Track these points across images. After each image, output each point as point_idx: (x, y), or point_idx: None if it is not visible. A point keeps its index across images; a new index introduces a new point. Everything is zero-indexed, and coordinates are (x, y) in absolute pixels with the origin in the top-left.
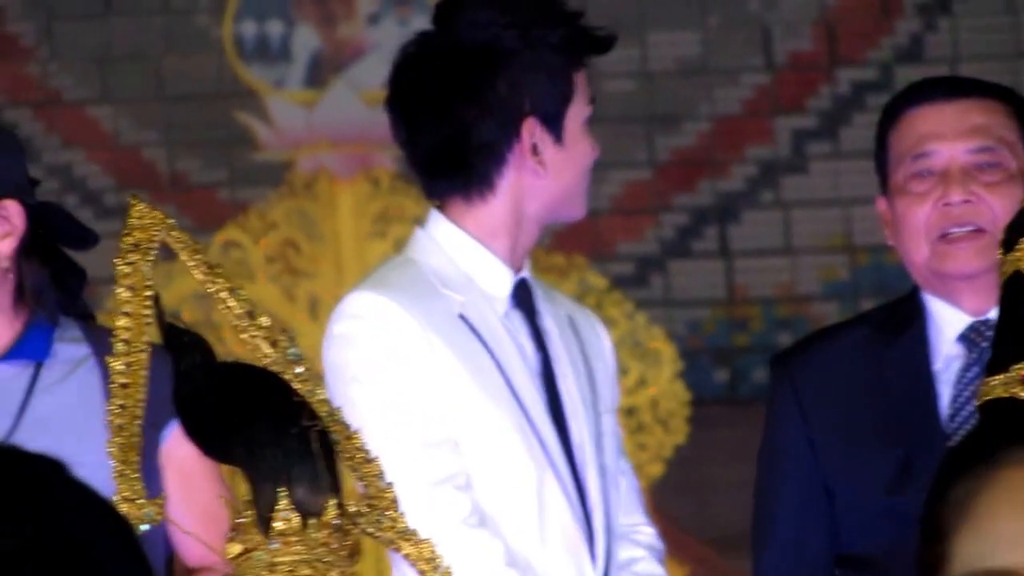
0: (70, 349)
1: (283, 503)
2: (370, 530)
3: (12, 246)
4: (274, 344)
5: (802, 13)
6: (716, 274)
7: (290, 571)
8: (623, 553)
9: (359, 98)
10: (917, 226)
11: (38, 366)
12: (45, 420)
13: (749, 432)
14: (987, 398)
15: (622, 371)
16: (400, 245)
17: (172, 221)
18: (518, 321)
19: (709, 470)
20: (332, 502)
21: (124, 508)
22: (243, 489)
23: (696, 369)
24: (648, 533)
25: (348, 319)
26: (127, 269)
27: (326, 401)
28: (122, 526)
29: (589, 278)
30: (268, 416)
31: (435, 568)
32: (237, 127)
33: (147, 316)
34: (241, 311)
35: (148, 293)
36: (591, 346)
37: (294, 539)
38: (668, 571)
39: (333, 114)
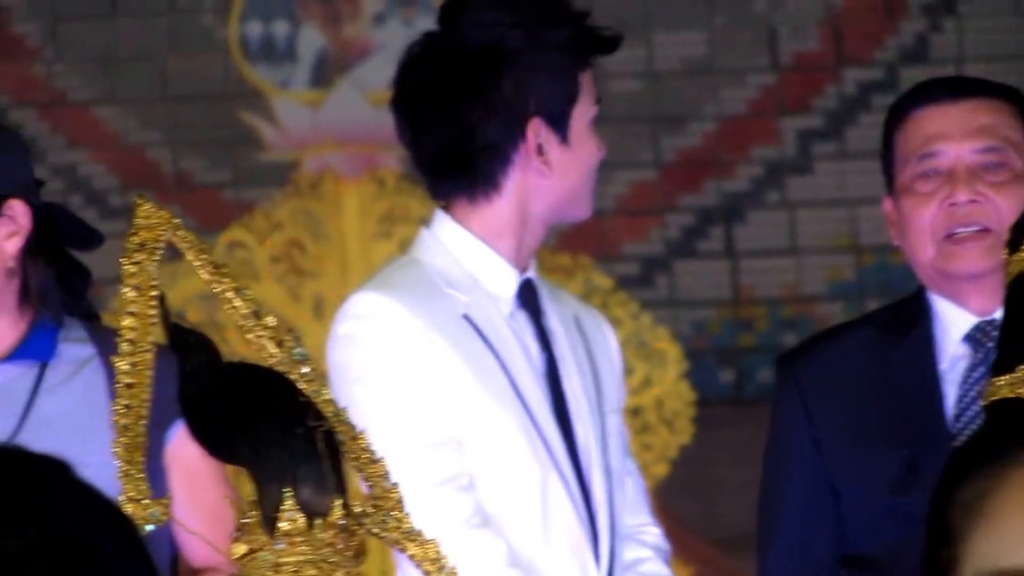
0: (75, 349)
1: (288, 503)
2: (375, 530)
3: (17, 246)
4: (280, 344)
5: (808, 13)
6: (721, 274)
7: (295, 571)
8: (628, 553)
9: (364, 98)
10: (923, 226)
11: (43, 366)
12: (50, 420)
13: (754, 432)
14: (993, 398)
15: (627, 371)
16: (405, 245)
17: (178, 221)
18: (523, 321)
19: (714, 470)
20: (338, 502)
21: (129, 508)
22: (247, 489)
23: (701, 369)
24: (654, 533)
25: (352, 320)
26: (133, 269)
27: (332, 401)
28: (127, 527)
29: (594, 278)
30: (274, 416)
31: (440, 569)
32: (242, 127)
33: (152, 316)
34: (247, 311)
35: (153, 293)
36: (597, 346)
37: (299, 539)
38: (674, 571)
39: (338, 114)
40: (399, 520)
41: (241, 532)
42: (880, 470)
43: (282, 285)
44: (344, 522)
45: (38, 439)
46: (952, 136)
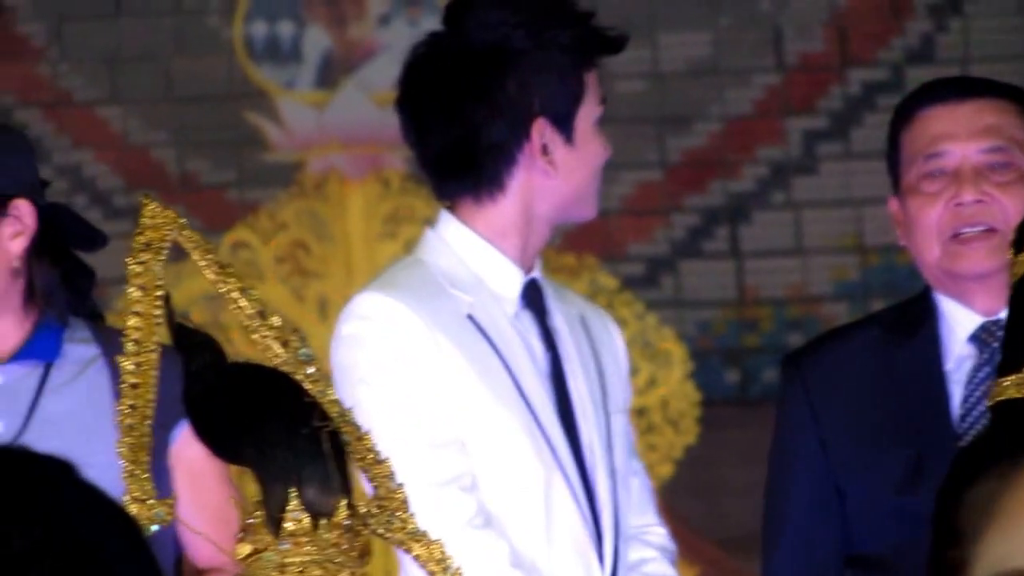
0: (79, 349)
1: (294, 503)
2: (380, 531)
3: (23, 246)
4: (285, 344)
5: (813, 14)
6: (727, 275)
7: (300, 572)
8: (633, 554)
9: (369, 99)
10: (929, 226)
11: (48, 366)
12: (54, 420)
13: (759, 433)
14: (999, 399)
15: (632, 371)
16: (410, 246)
17: (183, 221)
18: (528, 321)
19: (719, 471)
20: (343, 503)
21: (134, 508)
22: (251, 489)
23: (706, 370)
24: (660, 534)
25: (356, 320)
26: (138, 268)
27: (337, 402)
28: (131, 527)
29: (600, 278)
30: (279, 416)
31: (445, 569)
32: (247, 128)
33: (158, 316)
34: (252, 311)
35: (159, 293)
36: (603, 345)
37: (304, 540)
38: (679, 572)
39: (343, 115)
40: (404, 521)
41: (246, 532)
42: (886, 470)
43: (286, 286)
44: (349, 522)
45: (43, 439)
46: (958, 136)
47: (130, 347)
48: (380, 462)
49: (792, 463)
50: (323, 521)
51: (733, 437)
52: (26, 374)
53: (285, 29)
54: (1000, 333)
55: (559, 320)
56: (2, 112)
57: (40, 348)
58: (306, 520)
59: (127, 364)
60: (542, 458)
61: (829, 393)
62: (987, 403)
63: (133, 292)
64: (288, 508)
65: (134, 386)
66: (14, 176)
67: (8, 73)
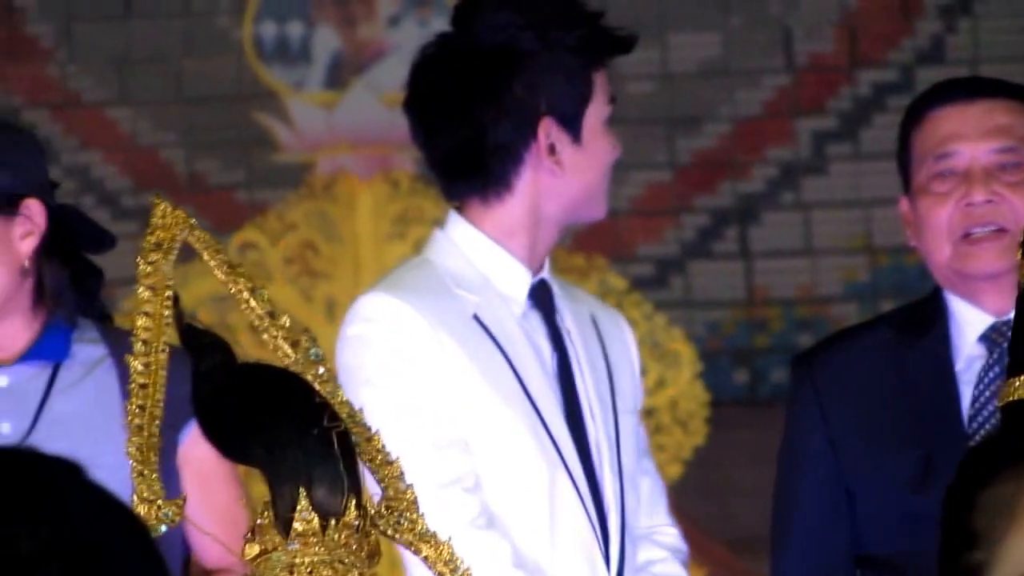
0: (88, 350)
1: (303, 504)
2: (389, 532)
3: (32, 246)
4: (295, 345)
5: (823, 15)
6: (736, 275)
7: (310, 572)
8: (643, 554)
9: (379, 100)
10: (939, 226)
11: (56, 367)
12: (63, 421)
13: (768, 433)
14: (1009, 399)
15: (641, 372)
16: (420, 247)
17: (194, 221)
18: (536, 321)
19: (728, 471)
20: (352, 503)
21: (143, 509)
22: (257, 490)
23: (715, 370)
24: (671, 534)
25: (362, 322)
26: (148, 269)
27: (347, 403)
28: (139, 528)
29: (609, 279)
30: (289, 417)
31: (454, 570)
32: (257, 128)
33: (167, 316)
34: (262, 311)
35: (168, 293)
36: (614, 345)
37: (314, 540)
38: (689, 573)
39: (353, 116)
40: (413, 522)
41: (254, 533)
42: (896, 470)
43: (295, 286)
44: (358, 523)
45: (51, 440)
46: (968, 136)
47: (139, 347)
48: (389, 463)
49: (801, 463)
50: (332, 522)
51: (742, 438)
52: (35, 375)
53: (294, 30)
54: (1010, 333)
55: (568, 320)
56: (10, 113)
57: (49, 349)
58: (315, 521)
59: (136, 364)
60: (547, 458)
61: (839, 393)
62: (997, 403)
63: (143, 292)
64: (298, 509)
65: (143, 386)
66: (25, 176)
67: (17, 74)
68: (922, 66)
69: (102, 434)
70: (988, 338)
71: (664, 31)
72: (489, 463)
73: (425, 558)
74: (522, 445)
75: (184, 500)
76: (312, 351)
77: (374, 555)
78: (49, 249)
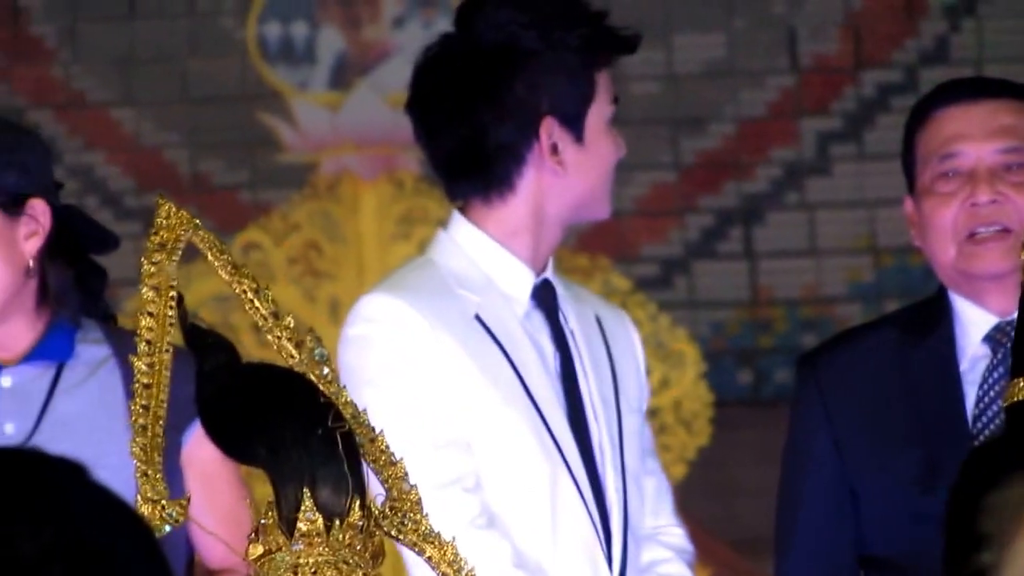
0: (91, 350)
1: (307, 504)
2: (393, 533)
3: (37, 246)
4: (299, 345)
5: (827, 15)
6: (740, 275)
7: (314, 573)
8: (647, 555)
9: (383, 100)
10: (944, 226)
11: (60, 367)
12: (66, 421)
13: (772, 433)
14: (1013, 400)
15: (646, 371)
16: (424, 247)
17: (198, 222)
18: (539, 321)
19: (732, 472)
20: (356, 503)
21: (147, 509)
22: (260, 491)
23: (720, 370)
24: (677, 534)
25: (363, 322)
26: (152, 269)
27: (351, 403)
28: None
29: (613, 279)
30: (294, 417)
31: (458, 571)
32: (261, 129)
33: (171, 317)
34: (266, 312)
35: (172, 294)
36: (619, 345)
37: (318, 540)
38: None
39: (357, 116)
40: (417, 522)
41: (259, 533)
42: (900, 471)
43: (298, 287)
44: (363, 523)
45: (54, 440)
46: (973, 136)
47: (143, 348)
48: (393, 463)
49: (806, 464)
50: (337, 522)
51: (746, 438)
52: (38, 375)
53: (299, 30)
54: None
55: (572, 320)
56: (15, 113)
57: (52, 349)
58: (320, 521)
59: (140, 364)
60: (548, 457)
61: (843, 394)
62: (1001, 404)
63: (147, 293)
64: (302, 509)
65: (147, 386)
66: (31, 176)
67: (21, 74)
68: (926, 67)
69: (106, 434)
70: (992, 338)
71: (668, 32)
72: (490, 463)
73: (429, 559)
74: (523, 445)
75: (188, 500)
76: (317, 351)
77: (378, 555)
78: (54, 249)
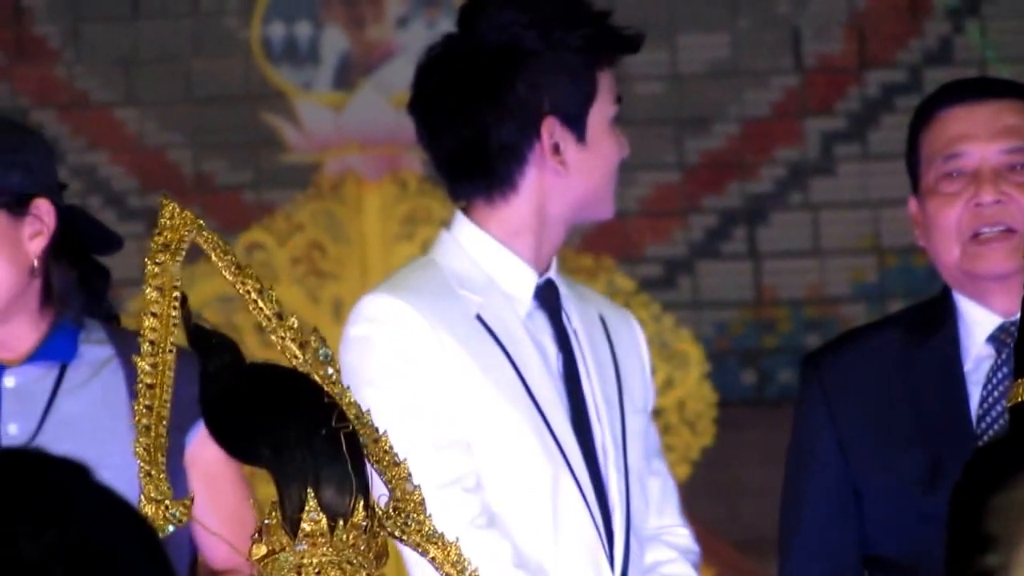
0: (95, 351)
1: (311, 505)
2: (397, 533)
3: (41, 246)
4: (303, 346)
5: (832, 15)
6: (744, 276)
7: (317, 573)
8: (652, 555)
9: (387, 100)
10: (948, 226)
11: (63, 368)
12: (70, 422)
13: (776, 434)
14: (1017, 400)
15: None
16: (427, 247)
17: (201, 222)
18: (541, 322)
19: (736, 472)
20: (360, 504)
21: (150, 509)
22: (263, 491)
23: (723, 371)
24: (682, 535)
25: (364, 322)
26: (156, 270)
27: (355, 403)
28: (145, 530)
29: (617, 280)
30: (298, 417)
31: (462, 571)
32: (264, 129)
33: (174, 317)
34: (270, 312)
35: (176, 294)
36: (623, 345)
37: (322, 541)
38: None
39: (361, 116)
40: (420, 523)
41: (262, 533)
42: (904, 471)
43: (302, 287)
44: (366, 524)
45: (58, 440)
46: (978, 137)
47: (146, 348)
48: (397, 464)
49: (809, 464)
50: (340, 523)
51: (750, 438)
52: (41, 375)
53: (303, 30)
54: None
55: (575, 320)
56: (18, 113)
57: (56, 349)
58: (323, 521)
59: (143, 365)
60: (550, 457)
61: (847, 394)
62: (1006, 404)
63: (150, 293)
64: (305, 509)
65: (150, 387)
66: (35, 176)
67: (24, 74)
68: (930, 67)
69: (109, 435)
70: (996, 338)
71: (673, 32)
72: (491, 463)
73: (432, 559)
74: (524, 445)
75: (191, 501)
76: (321, 351)
77: (382, 556)
78: (58, 250)
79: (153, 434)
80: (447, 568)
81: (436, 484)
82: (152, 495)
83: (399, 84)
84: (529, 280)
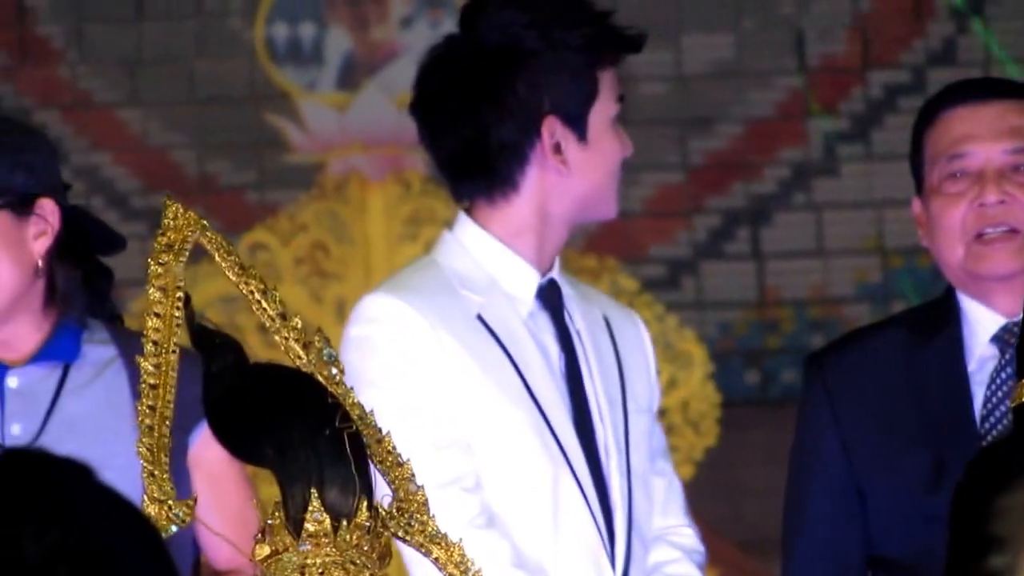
0: (98, 351)
1: (314, 505)
2: (400, 534)
3: (46, 245)
4: (306, 346)
5: (835, 16)
6: (748, 276)
7: (321, 573)
8: (655, 555)
9: (391, 101)
10: (952, 227)
11: (66, 368)
12: (73, 422)
13: (780, 434)
14: (1021, 401)
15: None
16: (431, 248)
17: (205, 223)
18: (543, 321)
19: (739, 472)
20: (364, 504)
21: (153, 509)
22: (266, 492)
23: (727, 371)
24: (687, 535)
25: (364, 323)
26: (159, 270)
27: (358, 404)
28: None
29: (620, 280)
30: (301, 417)
31: (465, 572)
32: (268, 130)
33: (178, 318)
34: (274, 313)
35: (179, 295)
36: (627, 345)
37: (325, 541)
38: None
39: (365, 117)
40: (424, 523)
41: (265, 534)
42: (908, 471)
43: (305, 287)
44: (370, 524)
45: (61, 441)
46: (982, 137)
47: (149, 348)
48: (400, 464)
49: (813, 464)
50: (344, 523)
51: (753, 438)
52: (45, 376)
53: (307, 31)
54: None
55: (578, 320)
56: (21, 114)
57: (59, 349)
58: (327, 522)
59: (146, 365)
60: (550, 457)
61: (850, 394)
62: (1009, 404)
63: (153, 293)
64: (309, 509)
65: (153, 387)
66: (39, 176)
67: (28, 75)
68: (934, 67)
69: (112, 435)
70: (1000, 339)
71: (677, 32)
72: (491, 463)
73: (436, 560)
74: (524, 444)
75: (194, 501)
76: (325, 352)
77: (385, 556)
78: (62, 250)
79: (156, 434)
80: (450, 569)
81: (435, 484)
82: (155, 495)
83: (403, 84)
84: (531, 280)
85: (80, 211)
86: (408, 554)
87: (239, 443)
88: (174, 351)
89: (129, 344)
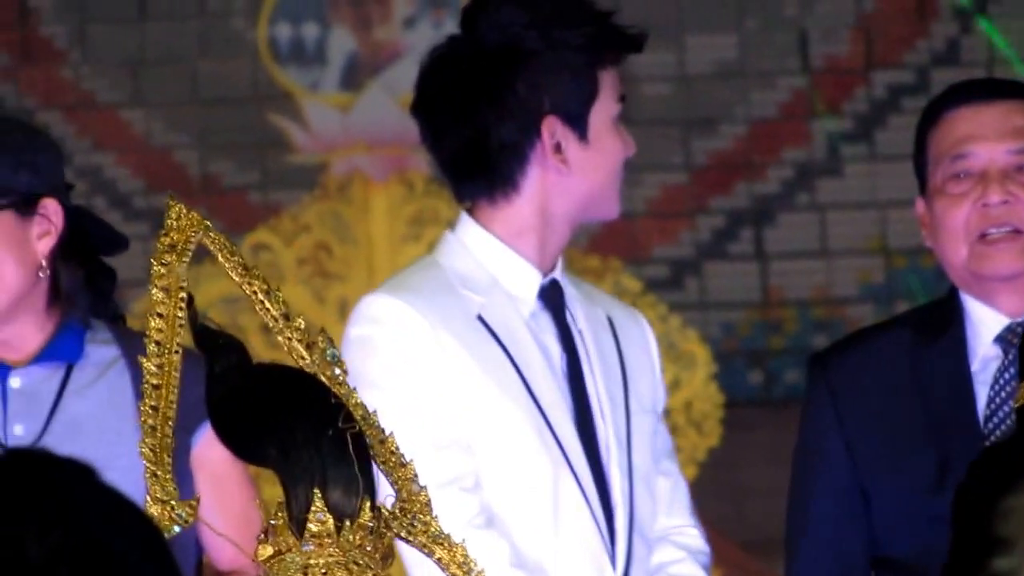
0: (101, 351)
1: (318, 505)
2: (403, 534)
3: (49, 246)
4: (310, 346)
5: (839, 17)
6: (751, 276)
7: (324, 573)
8: (658, 556)
9: (394, 101)
10: (955, 227)
11: (69, 368)
12: (76, 423)
13: (783, 434)
14: None
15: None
16: (434, 248)
17: (208, 223)
18: (545, 322)
19: (743, 472)
20: (367, 504)
21: (156, 509)
22: (268, 492)
23: (730, 371)
24: (692, 535)
25: (365, 323)
26: (162, 270)
27: (361, 404)
28: (151, 530)
29: (624, 280)
30: (304, 417)
31: (468, 572)
32: (271, 130)
33: (180, 318)
34: (277, 313)
35: (182, 295)
36: (631, 346)
37: (328, 541)
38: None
39: (368, 117)
40: (426, 524)
41: (269, 534)
42: (912, 472)
43: (308, 288)
44: (373, 524)
45: (64, 441)
46: (985, 137)
47: (152, 349)
48: (403, 465)
49: (816, 465)
50: (347, 523)
51: (757, 439)
52: (47, 376)
53: (310, 31)
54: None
55: (581, 320)
56: (24, 114)
57: (62, 350)
58: (330, 522)
59: (149, 366)
60: (551, 456)
61: (854, 395)
62: (1013, 404)
63: (156, 294)
64: (312, 510)
65: (156, 387)
66: (43, 176)
67: (31, 75)
68: (937, 68)
69: (115, 435)
70: (1004, 339)
71: (680, 33)
72: (492, 462)
73: (439, 560)
74: (525, 444)
75: (197, 501)
76: (328, 352)
77: (388, 556)
78: (66, 250)
79: (159, 435)
80: (453, 569)
81: (434, 484)
82: (158, 496)
83: (406, 85)
84: (533, 280)
85: (83, 211)
86: (409, 555)
87: (242, 443)
88: (177, 351)
89: (132, 344)
